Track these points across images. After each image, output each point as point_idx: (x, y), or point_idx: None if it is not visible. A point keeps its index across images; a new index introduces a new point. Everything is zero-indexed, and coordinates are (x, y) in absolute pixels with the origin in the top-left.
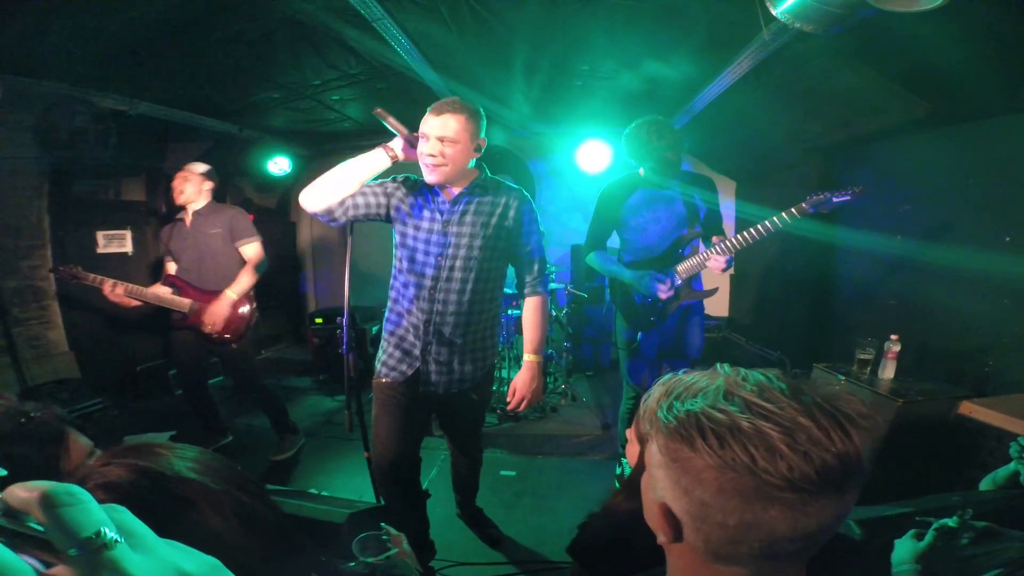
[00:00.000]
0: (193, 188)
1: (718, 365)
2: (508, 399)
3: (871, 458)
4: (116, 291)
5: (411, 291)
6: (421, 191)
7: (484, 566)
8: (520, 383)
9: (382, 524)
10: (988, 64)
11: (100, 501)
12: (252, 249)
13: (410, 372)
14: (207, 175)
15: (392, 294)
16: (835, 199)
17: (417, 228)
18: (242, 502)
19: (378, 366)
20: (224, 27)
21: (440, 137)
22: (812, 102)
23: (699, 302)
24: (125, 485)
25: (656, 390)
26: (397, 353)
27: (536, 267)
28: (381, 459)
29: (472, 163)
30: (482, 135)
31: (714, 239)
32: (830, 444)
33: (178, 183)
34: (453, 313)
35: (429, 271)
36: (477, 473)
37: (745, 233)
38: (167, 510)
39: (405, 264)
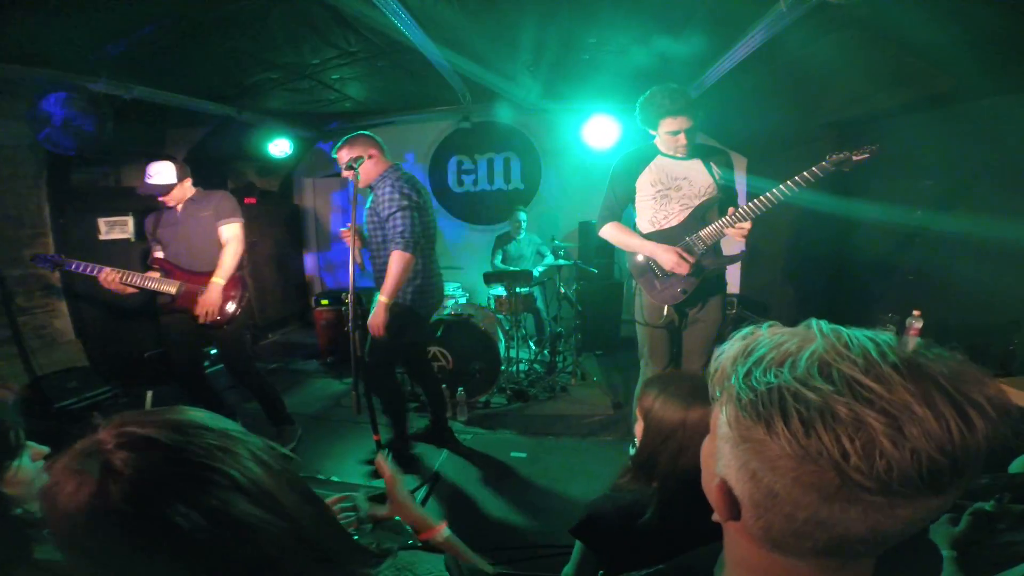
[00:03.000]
0: (180, 193)
1: (814, 322)
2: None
3: (987, 452)
4: (110, 278)
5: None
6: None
7: (496, 551)
8: (370, 319)
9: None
10: (1014, 36)
11: None
12: (230, 230)
13: None
14: (183, 173)
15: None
16: (855, 157)
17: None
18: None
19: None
20: (219, 6)
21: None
22: (828, 76)
23: (722, 276)
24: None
25: (732, 347)
26: None
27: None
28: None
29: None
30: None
31: (731, 209)
32: (946, 440)
33: (170, 199)
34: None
35: None
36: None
37: (766, 196)
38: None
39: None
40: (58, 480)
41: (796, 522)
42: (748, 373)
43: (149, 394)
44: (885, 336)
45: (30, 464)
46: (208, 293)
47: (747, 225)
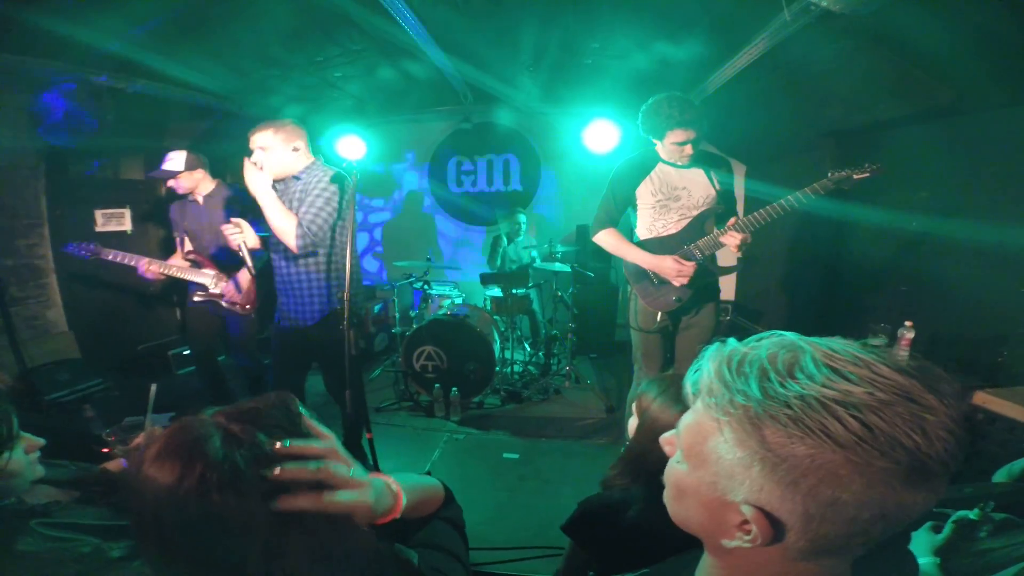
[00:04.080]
0: (190, 181)
1: (775, 332)
2: None
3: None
4: (151, 268)
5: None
6: None
7: (486, 551)
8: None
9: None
10: (1017, 48)
11: None
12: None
13: None
14: (194, 163)
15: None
16: (856, 176)
17: None
18: None
19: None
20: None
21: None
22: (829, 86)
23: (716, 283)
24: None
25: (710, 366)
26: None
27: None
28: None
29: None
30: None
31: (731, 220)
32: (953, 414)
33: (179, 186)
34: None
35: None
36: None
37: (765, 210)
38: None
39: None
40: (184, 460)
41: (859, 522)
42: (764, 389)
43: (153, 387)
44: (839, 340)
45: (22, 455)
46: (247, 284)
47: (743, 237)
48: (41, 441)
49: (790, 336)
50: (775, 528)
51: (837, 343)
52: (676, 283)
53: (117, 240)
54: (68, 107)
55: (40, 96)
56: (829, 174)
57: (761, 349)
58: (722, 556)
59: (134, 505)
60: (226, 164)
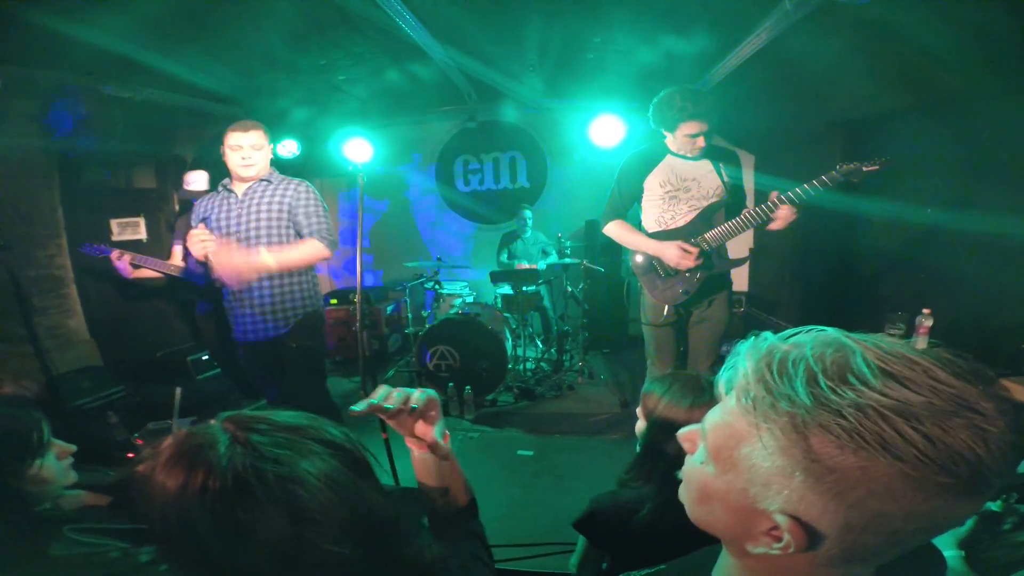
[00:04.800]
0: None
1: (817, 328)
2: None
3: None
4: (125, 258)
5: None
6: None
7: (501, 547)
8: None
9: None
10: (1015, 38)
11: None
12: None
13: None
14: (211, 183)
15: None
16: (865, 168)
17: None
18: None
19: None
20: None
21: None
22: (836, 76)
23: (727, 275)
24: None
25: (747, 364)
26: None
27: None
28: None
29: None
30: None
31: (773, 194)
32: (1011, 421)
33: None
34: None
35: None
36: None
37: (798, 189)
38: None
39: None
40: (187, 465)
41: (901, 534)
42: (814, 395)
43: (178, 391)
44: (875, 335)
45: (54, 462)
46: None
47: (793, 211)
48: (73, 447)
49: (833, 332)
50: (811, 538)
51: (885, 341)
52: (678, 266)
53: (132, 249)
54: (77, 117)
55: (49, 106)
56: (838, 167)
57: (805, 348)
58: (743, 558)
59: (146, 510)
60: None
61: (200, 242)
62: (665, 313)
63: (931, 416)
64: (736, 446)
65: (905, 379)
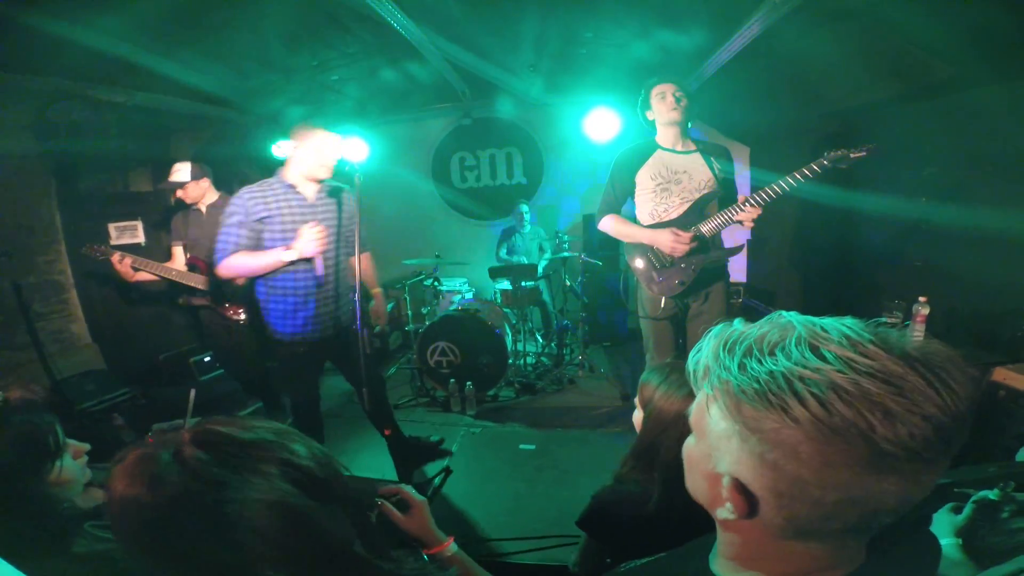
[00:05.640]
0: (198, 191)
1: (780, 314)
2: None
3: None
4: (126, 261)
5: None
6: None
7: (506, 541)
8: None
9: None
10: (1008, 24)
11: None
12: None
13: None
14: (199, 173)
15: None
16: (852, 155)
17: None
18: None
19: None
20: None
21: None
22: (827, 67)
23: (723, 267)
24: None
25: (709, 345)
26: None
27: None
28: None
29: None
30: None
31: (741, 197)
32: (944, 403)
33: (187, 196)
34: None
35: None
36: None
37: (771, 187)
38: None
39: None
40: (130, 475)
41: (825, 505)
42: (743, 366)
43: (192, 392)
44: (850, 320)
45: (71, 463)
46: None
47: (757, 211)
48: (86, 446)
49: (792, 317)
50: (749, 502)
51: (837, 323)
52: (672, 252)
53: (131, 252)
54: (71, 123)
55: (43, 113)
56: (825, 154)
57: (755, 329)
58: (725, 531)
59: (107, 510)
60: (230, 169)
61: (316, 240)
62: (663, 306)
63: (837, 385)
64: (702, 416)
65: (828, 353)
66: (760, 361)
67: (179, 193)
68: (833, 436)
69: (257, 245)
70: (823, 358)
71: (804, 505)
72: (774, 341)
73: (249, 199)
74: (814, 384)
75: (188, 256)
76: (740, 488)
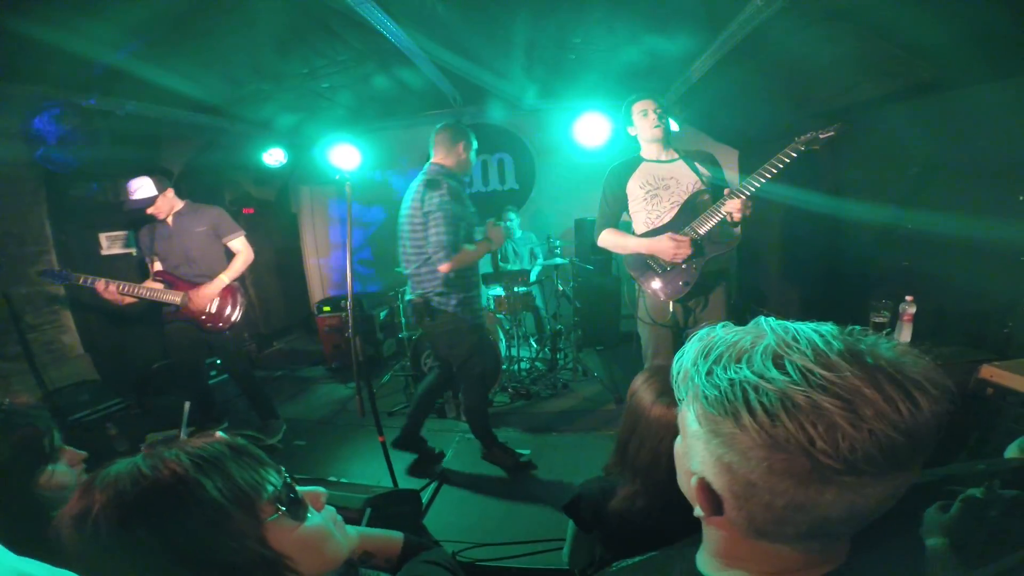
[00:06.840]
0: (166, 204)
1: (762, 318)
2: None
3: (940, 430)
4: (109, 289)
5: None
6: None
7: (502, 546)
8: None
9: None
10: (994, 23)
11: None
12: (239, 243)
13: None
14: (164, 185)
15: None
16: (821, 135)
17: None
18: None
19: None
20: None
21: None
22: (814, 68)
23: (725, 268)
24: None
25: (691, 348)
26: None
27: None
28: None
29: None
30: None
31: (726, 191)
32: (899, 419)
33: (158, 211)
34: None
35: None
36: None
37: (751, 177)
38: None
39: None
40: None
41: (775, 509)
42: (710, 371)
43: (187, 405)
44: (828, 327)
45: (64, 468)
46: (210, 285)
47: (743, 201)
48: (84, 453)
49: (771, 323)
50: (712, 501)
51: (813, 331)
52: (674, 258)
53: (123, 262)
54: (60, 132)
55: (31, 122)
56: (795, 139)
57: (733, 335)
58: (707, 526)
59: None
60: (221, 176)
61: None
62: (671, 310)
63: (787, 396)
64: (684, 417)
65: (787, 363)
66: (725, 369)
67: (150, 210)
68: (776, 446)
69: None
70: (783, 369)
71: (758, 507)
72: (744, 349)
73: (446, 196)
74: (767, 395)
75: (158, 270)
76: (705, 487)
